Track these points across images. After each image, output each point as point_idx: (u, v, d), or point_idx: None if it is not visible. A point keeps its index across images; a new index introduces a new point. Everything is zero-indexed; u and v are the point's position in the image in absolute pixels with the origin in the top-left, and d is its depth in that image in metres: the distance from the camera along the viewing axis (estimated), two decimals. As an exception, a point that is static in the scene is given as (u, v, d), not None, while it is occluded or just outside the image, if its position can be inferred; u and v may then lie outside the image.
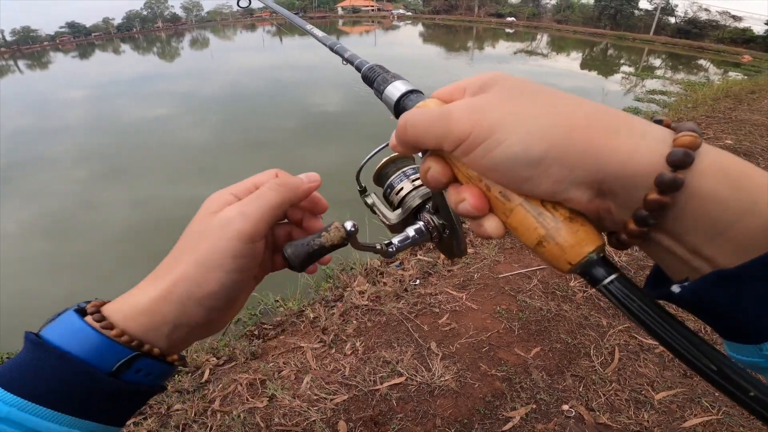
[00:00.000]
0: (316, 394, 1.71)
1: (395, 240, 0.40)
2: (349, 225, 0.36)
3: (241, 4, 1.11)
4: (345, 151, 6.70)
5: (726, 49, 33.88)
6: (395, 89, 0.38)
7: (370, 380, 1.74)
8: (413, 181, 0.44)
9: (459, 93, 0.29)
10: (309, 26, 0.75)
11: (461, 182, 0.29)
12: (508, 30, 47.72)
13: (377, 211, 0.46)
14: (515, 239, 2.63)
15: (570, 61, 23.11)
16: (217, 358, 2.07)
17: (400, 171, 0.45)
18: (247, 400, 1.75)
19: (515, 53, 25.47)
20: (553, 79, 10.13)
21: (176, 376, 1.98)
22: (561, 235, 0.24)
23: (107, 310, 0.33)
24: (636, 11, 50.90)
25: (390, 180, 0.45)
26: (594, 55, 28.31)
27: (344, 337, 2.04)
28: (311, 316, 2.25)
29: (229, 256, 0.32)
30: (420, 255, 2.65)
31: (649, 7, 49.89)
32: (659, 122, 0.25)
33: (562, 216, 0.25)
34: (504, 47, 30.76)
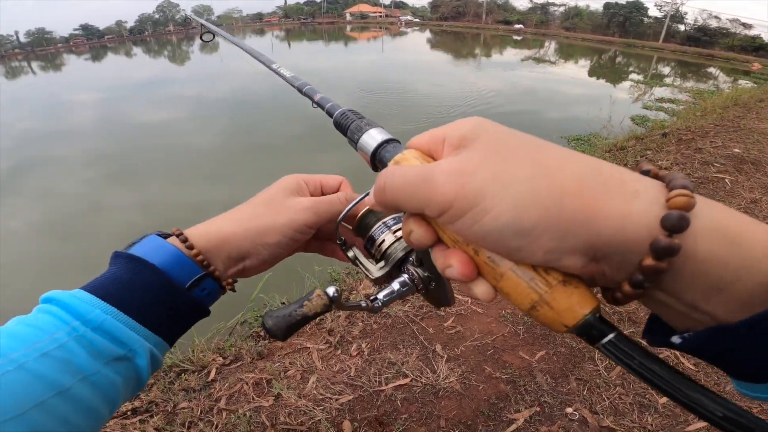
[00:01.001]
0: (321, 394, 1.73)
1: (380, 295, 0.40)
2: (331, 291, 0.35)
3: (204, 38, 1.15)
4: (350, 158, 6.75)
5: (736, 57, 33.75)
6: (371, 138, 0.36)
7: (376, 381, 1.76)
8: (395, 232, 0.43)
9: (438, 143, 0.28)
10: (276, 65, 0.70)
11: (446, 244, 0.28)
12: (516, 37, 47.83)
13: (359, 265, 0.45)
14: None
15: (578, 69, 23.11)
16: (224, 358, 2.11)
17: (380, 222, 0.44)
18: (253, 399, 1.78)
19: (523, 60, 25.50)
20: (561, 87, 10.14)
21: (182, 375, 2.01)
22: (555, 299, 0.24)
23: (188, 233, 0.39)
24: (645, 19, 50.87)
25: (371, 232, 0.45)
26: (602, 63, 28.31)
27: (350, 339, 2.06)
28: (318, 318, 2.28)
29: (293, 228, 0.42)
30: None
31: (659, 14, 49.87)
32: (646, 172, 0.25)
33: (555, 280, 0.24)
34: (512, 54, 30.82)
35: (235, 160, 8.09)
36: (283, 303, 2.65)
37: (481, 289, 0.26)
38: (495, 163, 0.24)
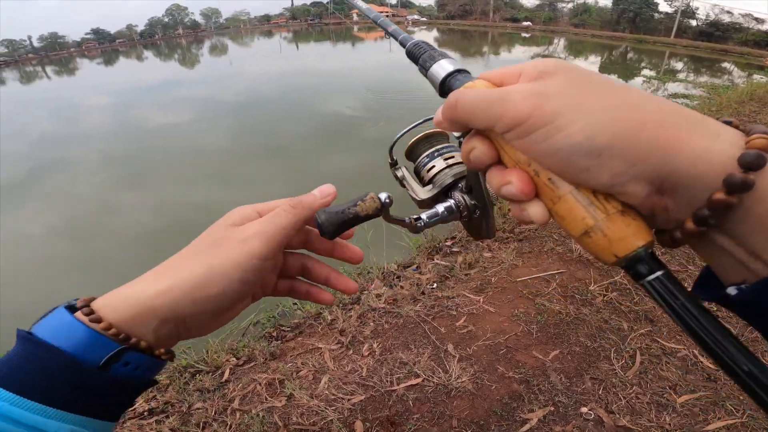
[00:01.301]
0: (333, 394, 1.74)
1: (424, 216, 0.40)
2: (383, 196, 0.37)
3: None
4: (359, 157, 6.74)
5: (750, 51, 33.15)
6: (441, 68, 0.37)
7: (387, 381, 1.76)
8: (446, 159, 0.44)
9: (512, 77, 0.29)
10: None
11: (506, 165, 0.28)
12: (524, 34, 47.61)
13: (407, 185, 0.45)
14: (533, 244, 2.64)
15: (589, 65, 22.92)
16: (237, 359, 2.12)
17: (433, 148, 0.45)
18: (266, 399, 1.79)
19: (532, 57, 25.19)
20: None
21: (197, 375, 2.03)
22: (610, 227, 0.24)
23: (97, 304, 0.33)
24: (656, 14, 50.23)
25: (422, 156, 0.45)
26: (613, 59, 28.03)
27: (361, 339, 2.06)
28: (329, 318, 2.29)
29: (240, 267, 0.34)
30: (437, 259, 2.67)
31: (669, 9, 49.20)
32: (728, 123, 0.25)
33: (614, 208, 0.24)
34: (520, 52, 30.68)
35: (244, 161, 8.16)
36: (295, 304, 2.66)
37: (535, 209, 0.27)
38: (575, 90, 0.24)
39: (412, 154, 0.47)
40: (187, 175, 7.95)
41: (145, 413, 1.86)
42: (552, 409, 1.59)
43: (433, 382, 1.73)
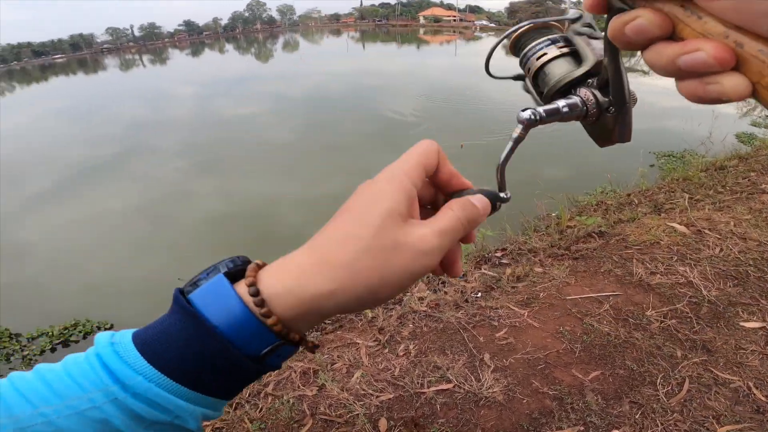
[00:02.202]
0: (363, 390, 1.79)
1: (541, 109, 0.35)
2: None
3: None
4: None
5: None
6: None
7: (418, 383, 1.78)
8: (561, 48, 0.38)
9: None
10: None
11: (686, 39, 0.22)
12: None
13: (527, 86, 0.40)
14: (590, 264, 2.53)
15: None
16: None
17: (545, 37, 0.39)
18: (299, 387, 1.88)
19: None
20: (652, 98, 9.35)
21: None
22: None
23: (265, 290, 0.30)
24: None
25: (532, 44, 0.39)
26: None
27: (399, 339, 2.10)
28: (369, 315, 2.35)
29: (414, 277, 0.31)
30: (485, 269, 2.65)
31: None
32: None
33: None
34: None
35: (306, 156, 8.50)
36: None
37: (733, 80, 0.21)
38: None
39: (517, 45, 0.41)
40: (254, 165, 8.44)
41: None
42: (582, 429, 1.54)
43: (464, 389, 1.73)
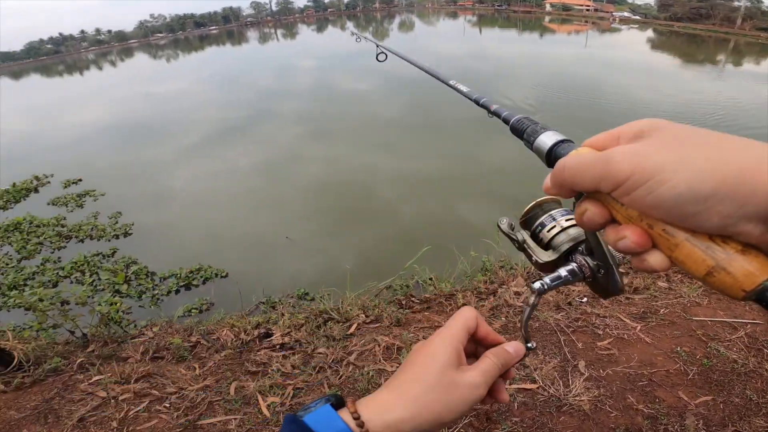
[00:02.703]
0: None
1: (547, 279, 0.42)
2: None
3: (379, 58, 1.33)
4: (512, 147, 6.44)
5: None
6: (547, 138, 0.40)
7: (501, 377, 1.73)
8: (564, 221, 0.46)
9: (612, 141, 0.31)
10: (452, 81, 0.79)
11: (619, 222, 0.30)
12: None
13: (528, 248, 0.48)
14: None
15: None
16: (366, 316, 2.31)
17: (547, 214, 0.47)
18: (380, 360, 1.93)
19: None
20: None
21: (329, 323, 2.28)
22: (732, 265, 0.25)
23: (366, 419, 0.40)
24: None
25: (539, 222, 0.48)
26: None
27: None
28: (460, 301, 2.31)
29: (469, 405, 0.42)
30: None
31: None
32: None
33: (733, 249, 0.25)
34: (773, 65, 23.74)
35: (410, 133, 8.59)
36: (431, 279, 2.75)
37: (655, 258, 0.29)
38: (673, 147, 0.26)
39: (527, 221, 0.49)
40: (359, 137, 8.79)
41: (277, 346, 2.17)
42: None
43: (548, 393, 1.64)
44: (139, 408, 1.83)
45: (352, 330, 2.19)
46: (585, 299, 2.21)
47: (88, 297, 3.65)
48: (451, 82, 0.81)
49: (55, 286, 4.48)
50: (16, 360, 2.16)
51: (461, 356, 0.44)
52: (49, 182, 7.83)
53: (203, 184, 7.34)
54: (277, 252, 5.05)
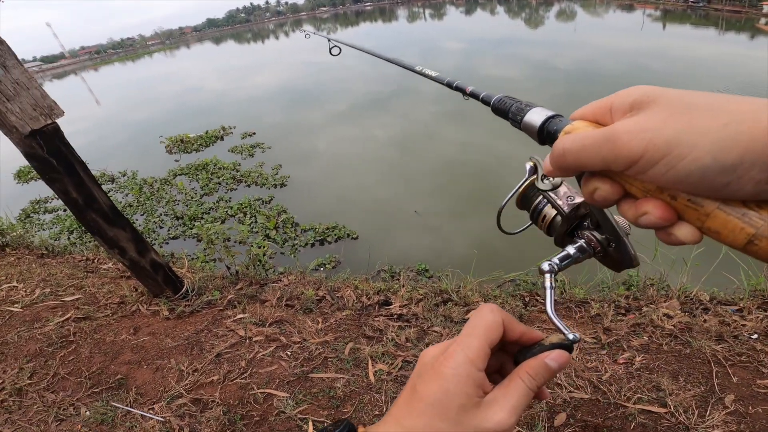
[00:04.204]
0: (559, 380, 1.71)
1: (555, 259, 0.40)
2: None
3: (332, 52, 1.31)
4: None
5: None
6: (536, 115, 0.38)
7: (625, 395, 1.61)
8: (558, 202, 0.44)
9: (604, 112, 0.30)
10: (419, 67, 0.75)
11: (635, 196, 0.29)
12: None
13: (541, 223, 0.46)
14: None
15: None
16: (485, 302, 2.29)
17: (540, 195, 0.46)
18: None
19: None
20: None
21: (448, 303, 2.31)
22: None
23: None
24: None
25: (534, 204, 0.46)
26: None
27: (625, 347, 1.90)
28: (593, 311, 2.16)
29: None
30: None
31: None
32: None
33: None
34: None
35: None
36: (561, 281, 2.60)
37: (684, 231, 0.27)
38: (681, 116, 0.25)
39: (523, 202, 0.48)
40: (496, 124, 8.44)
41: (395, 316, 2.28)
42: None
43: (677, 419, 1.50)
44: (266, 352, 2.06)
45: (470, 315, 2.19)
46: (756, 335, 1.90)
47: (246, 237, 4.24)
48: (417, 68, 0.78)
49: (223, 222, 5.27)
50: (185, 287, 2.53)
51: (483, 385, 0.35)
52: (231, 133, 9.27)
53: (343, 148, 7.92)
54: (402, 223, 5.25)
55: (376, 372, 1.86)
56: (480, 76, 13.94)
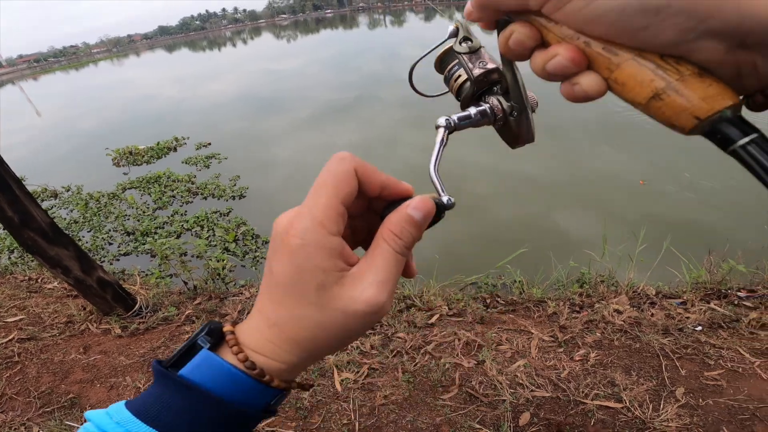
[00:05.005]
0: (520, 380, 1.75)
1: (454, 116, 0.40)
2: (445, 199, 0.35)
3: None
4: (628, 160, 5.77)
5: None
6: None
7: (583, 392, 1.67)
8: (472, 65, 0.42)
9: None
10: None
11: (550, 44, 0.26)
12: None
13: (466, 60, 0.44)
14: None
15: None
16: (449, 308, 2.33)
17: (457, 60, 0.44)
18: (458, 355, 1.94)
19: None
20: None
21: (411, 309, 2.33)
22: (687, 87, 0.22)
23: (245, 346, 0.32)
24: None
25: (449, 66, 0.45)
26: None
27: (580, 344, 1.97)
28: (550, 310, 2.23)
29: (371, 326, 0.33)
30: (715, 304, 2.20)
31: None
32: None
33: (688, 70, 0.22)
34: None
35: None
36: (520, 281, 2.67)
37: (589, 79, 0.25)
38: None
39: (441, 64, 0.46)
40: (459, 132, 8.63)
41: None
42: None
43: (632, 414, 1.56)
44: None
45: (433, 320, 2.23)
46: (700, 327, 2.02)
47: (204, 251, 4.13)
48: None
49: (178, 237, 5.11)
50: (138, 305, 2.45)
51: (342, 253, 0.30)
52: (185, 143, 8.99)
53: (304, 158, 7.88)
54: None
55: (342, 381, 1.85)
56: (439, 80, 14.31)
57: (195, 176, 6.97)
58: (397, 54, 22.32)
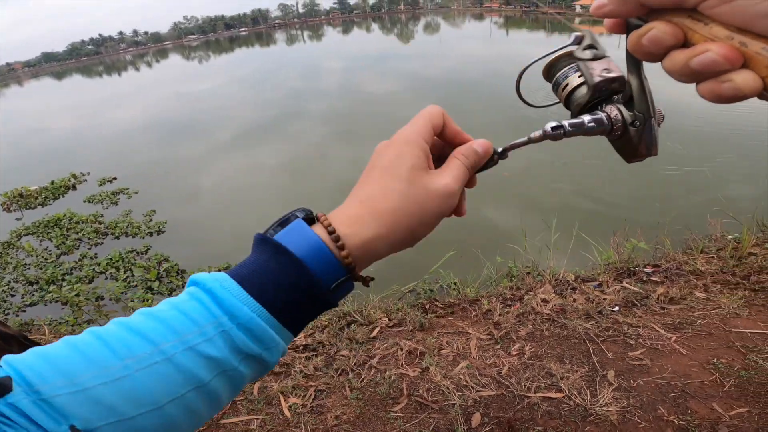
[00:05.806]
0: (466, 381, 1.79)
1: (566, 122, 0.38)
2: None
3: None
4: (548, 150, 6.27)
5: None
6: None
7: (525, 386, 1.72)
8: (580, 76, 0.41)
9: None
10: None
11: (695, 44, 0.25)
12: None
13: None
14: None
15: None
16: (389, 320, 2.34)
17: (573, 64, 0.41)
18: (402, 365, 1.95)
19: None
20: None
21: (352, 325, 2.31)
22: None
23: (338, 227, 0.36)
24: None
25: (560, 73, 0.42)
26: None
27: (514, 338, 2.04)
28: (485, 307, 2.31)
29: (440, 219, 0.40)
30: (627, 283, 2.41)
31: None
32: None
33: None
34: None
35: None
36: (455, 283, 2.76)
37: (744, 77, 0.23)
38: None
39: (550, 72, 0.44)
40: (384, 137, 8.82)
41: (300, 347, 2.22)
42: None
43: (574, 402, 1.63)
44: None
45: (375, 333, 2.23)
46: (617, 308, 2.19)
47: (122, 293, 3.83)
48: None
49: (91, 281, 4.69)
50: None
51: (428, 158, 0.40)
52: (86, 180, 8.20)
53: (231, 183, 7.57)
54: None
55: (290, 407, 1.79)
56: (365, 92, 14.41)
57: (102, 215, 6.41)
58: (319, 67, 22.40)
